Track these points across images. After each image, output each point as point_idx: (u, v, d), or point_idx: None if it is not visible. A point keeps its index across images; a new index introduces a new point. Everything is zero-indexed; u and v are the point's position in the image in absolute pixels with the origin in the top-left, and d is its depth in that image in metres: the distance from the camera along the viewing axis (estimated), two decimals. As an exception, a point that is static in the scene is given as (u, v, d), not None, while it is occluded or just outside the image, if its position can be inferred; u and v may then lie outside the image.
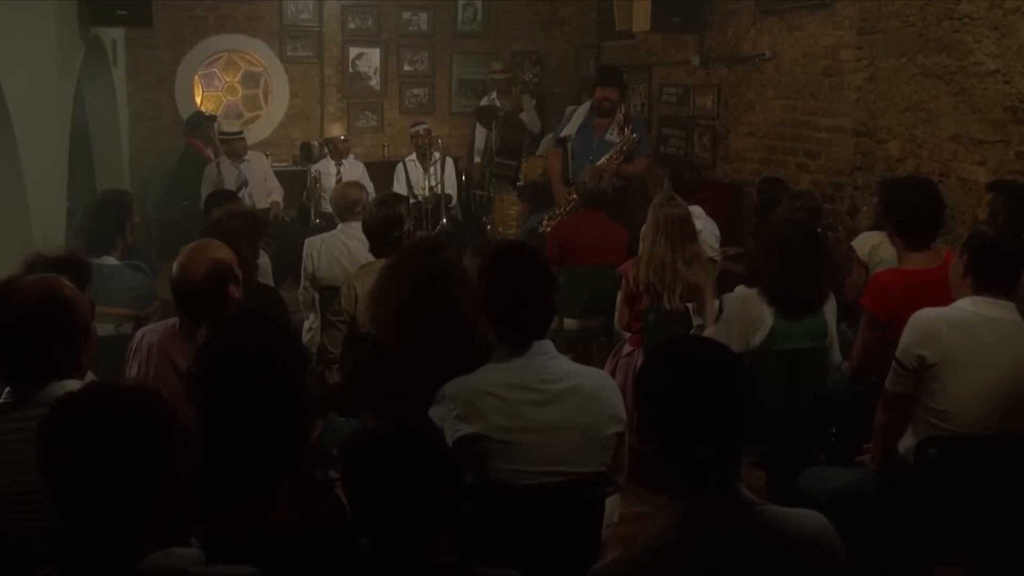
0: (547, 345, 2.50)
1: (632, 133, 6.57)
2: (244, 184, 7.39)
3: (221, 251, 2.95)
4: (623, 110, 6.80)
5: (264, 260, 4.78)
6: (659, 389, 1.77)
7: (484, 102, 8.80)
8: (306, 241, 4.89)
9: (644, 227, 4.34)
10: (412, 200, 7.96)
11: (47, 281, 2.31)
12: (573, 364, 2.61)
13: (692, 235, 4.28)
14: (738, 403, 1.74)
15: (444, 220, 7.64)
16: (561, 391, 2.44)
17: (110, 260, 4.22)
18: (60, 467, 1.60)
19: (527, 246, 2.70)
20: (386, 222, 3.97)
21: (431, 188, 7.67)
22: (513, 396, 2.42)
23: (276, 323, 2.21)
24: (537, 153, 8.03)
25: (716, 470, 1.74)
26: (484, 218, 8.12)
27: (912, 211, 3.62)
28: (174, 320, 2.97)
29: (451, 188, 8.05)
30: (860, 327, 3.64)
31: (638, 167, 6.68)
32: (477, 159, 8.70)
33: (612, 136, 6.74)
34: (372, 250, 4.14)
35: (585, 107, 7.01)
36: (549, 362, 2.48)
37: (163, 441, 1.64)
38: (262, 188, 7.63)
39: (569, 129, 6.91)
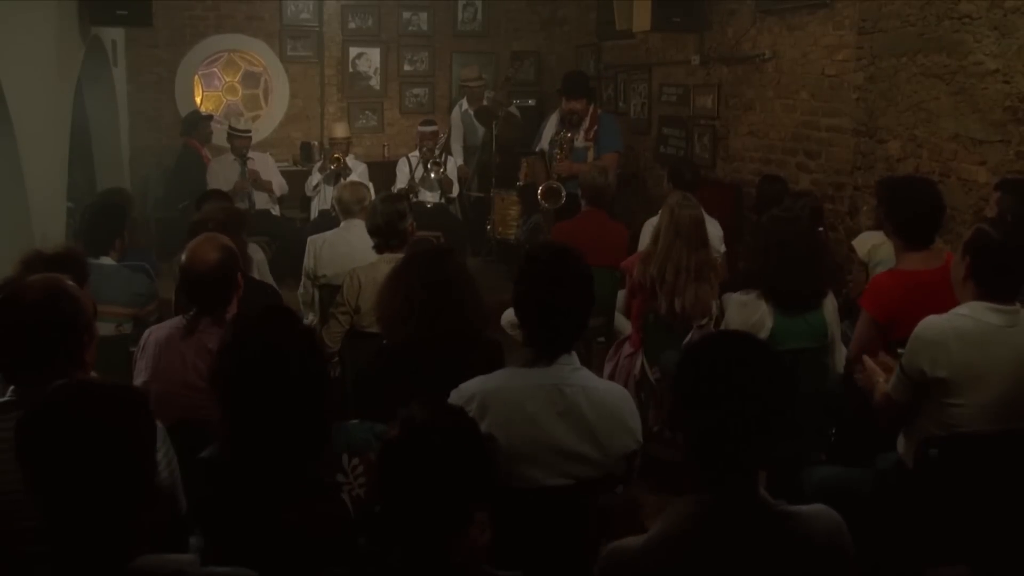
0: (572, 356, 2.49)
1: (567, 132, 6.61)
2: (248, 184, 7.40)
3: (227, 241, 3.08)
4: (592, 112, 6.78)
5: (261, 257, 4.80)
6: (696, 382, 1.77)
7: (454, 112, 8.72)
8: (308, 239, 4.91)
9: (655, 224, 4.32)
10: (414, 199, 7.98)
11: (51, 280, 2.32)
12: (596, 379, 2.57)
13: (705, 240, 4.27)
14: (773, 404, 1.73)
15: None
16: (580, 405, 2.43)
17: (108, 260, 4.26)
18: (38, 467, 1.60)
19: (572, 252, 2.55)
20: (392, 216, 4.14)
21: (437, 167, 7.72)
22: (531, 404, 2.41)
23: (302, 322, 2.21)
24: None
25: (739, 468, 1.74)
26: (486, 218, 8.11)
27: (913, 210, 3.58)
28: (179, 318, 3.05)
29: (452, 178, 8.06)
30: (858, 324, 3.61)
31: (606, 163, 6.23)
32: (460, 161, 8.57)
33: (580, 142, 6.73)
34: (377, 246, 4.19)
35: (555, 118, 6.95)
36: (572, 373, 2.46)
37: (139, 440, 1.64)
38: (265, 188, 7.62)
39: (543, 142, 6.94)
